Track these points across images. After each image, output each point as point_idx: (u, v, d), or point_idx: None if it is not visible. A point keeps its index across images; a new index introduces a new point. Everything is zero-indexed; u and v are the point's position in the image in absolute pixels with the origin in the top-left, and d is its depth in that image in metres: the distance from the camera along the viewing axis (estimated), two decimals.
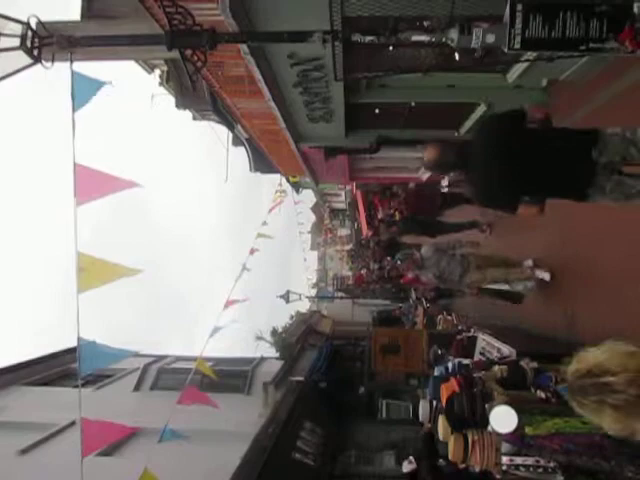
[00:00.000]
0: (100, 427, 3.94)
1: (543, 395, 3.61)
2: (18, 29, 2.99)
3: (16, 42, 2.99)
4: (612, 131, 2.85)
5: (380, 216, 15.02)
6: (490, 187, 3.01)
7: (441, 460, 4.79)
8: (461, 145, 3.33)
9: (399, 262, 8.15)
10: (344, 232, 34.08)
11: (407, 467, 5.32)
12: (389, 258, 14.24)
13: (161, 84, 11.00)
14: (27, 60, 3.06)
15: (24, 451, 7.03)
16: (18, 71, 3.10)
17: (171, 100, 10.67)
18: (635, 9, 2.90)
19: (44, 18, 3.14)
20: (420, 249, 7.31)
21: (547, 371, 4.18)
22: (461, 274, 6.56)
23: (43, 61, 3.11)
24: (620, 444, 3.02)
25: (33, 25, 3.03)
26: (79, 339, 3.32)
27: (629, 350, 1.79)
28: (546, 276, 6.41)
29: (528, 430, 3.18)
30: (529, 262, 6.76)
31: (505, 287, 7.01)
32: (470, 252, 7.40)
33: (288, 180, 15.78)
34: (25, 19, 3.01)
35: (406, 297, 15.25)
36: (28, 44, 3.01)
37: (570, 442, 3.11)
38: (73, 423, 7.12)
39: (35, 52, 3.05)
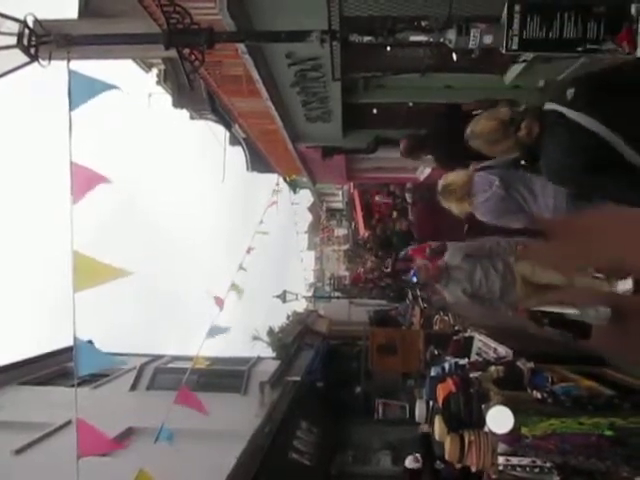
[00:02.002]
0: (94, 435, 3.93)
1: (539, 395, 3.62)
2: (15, 27, 2.98)
3: (13, 40, 2.97)
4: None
5: (377, 199, 14.74)
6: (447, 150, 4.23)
7: (438, 462, 4.81)
8: (422, 136, 4.74)
9: (414, 279, 5.89)
10: (341, 232, 34.09)
11: (412, 463, 5.32)
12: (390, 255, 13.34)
13: (158, 83, 10.97)
14: (24, 58, 3.04)
15: (19, 451, 7.01)
16: (15, 69, 3.09)
17: (168, 99, 10.67)
18: (632, 11, 2.90)
19: (41, 16, 3.12)
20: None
21: (543, 371, 4.20)
22: (502, 291, 4.65)
23: (40, 59, 3.10)
24: (616, 445, 3.03)
25: (30, 23, 3.02)
26: (75, 339, 3.31)
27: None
28: (628, 285, 4.37)
29: (524, 430, 3.19)
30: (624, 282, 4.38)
31: (570, 311, 5.23)
32: (517, 259, 5.08)
33: (285, 180, 15.77)
34: (22, 17, 3.00)
35: (403, 297, 15.24)
36: (25, 42, 2.99)
37: (566, 442, 3.12)
38: (69, 423, 7.10)
39: (32, 50, 3.04)
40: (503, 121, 2.50)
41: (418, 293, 13.07)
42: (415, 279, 5.55)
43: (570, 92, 2.23)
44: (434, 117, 4.83)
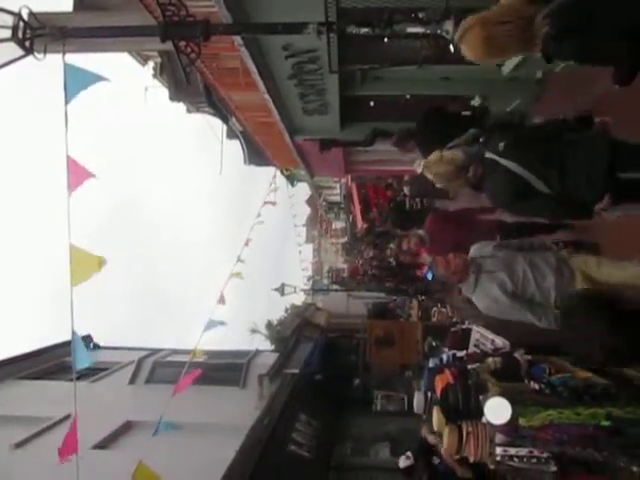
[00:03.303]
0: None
1: (536, 386, 3.63)
2: (9, 20, 2.96)
3: (7, 33, 2.95)
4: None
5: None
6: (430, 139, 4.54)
7: (435, 458, 4.82)
8: (410, 133, 5.16)
9: (429, 276, 4.43)
10: (339, 225, 34.06)
11: (404, 462, 5.34)
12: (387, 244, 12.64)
13: (155, 76, 10.93)
14: (19, 52, 3.03)
15: (19, 445, 7.03)
16: (10, 63, 3.07)
17: (165, 92, 10.63)
18: None
19: (36, 9, 3.11)
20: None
21: (540, 363, 4.21)
22: (559, 289, 3.36)
23: (35, 52, 3.08)
24: (613, 435, 3.05)
25: (25, 16, 3.00)
26: (73, 333, 3.32)
27: None
28: None
29: (522, 421, 3.20)
30: None
31: None
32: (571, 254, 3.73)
33: (283, 173, 15.74)
34: (16, 10, 2.98)
35: (403, 290, 15.21)
36: (20, 35, 2.97)
37: (563, 433, 3.14)
38: (68, 416, 7.13)
39: (27, 43, 3.02)
40: (457, 166, 3.32)
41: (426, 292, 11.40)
42: (431, 276, 4.30)
43: (501, 145, 3.04)
44: (422, 118, 5.23)
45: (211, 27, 3.25)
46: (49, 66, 3.18)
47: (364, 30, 3.28)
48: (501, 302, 3.43)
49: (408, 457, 5.34)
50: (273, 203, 12.11)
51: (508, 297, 3.39)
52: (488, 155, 3.14)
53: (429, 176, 3.97)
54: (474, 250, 3.79)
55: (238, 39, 5.22)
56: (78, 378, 5.40)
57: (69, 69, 3.10)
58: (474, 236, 5.08)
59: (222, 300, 7.70)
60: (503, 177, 3.02)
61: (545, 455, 3.35)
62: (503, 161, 3.00)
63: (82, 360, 3.70)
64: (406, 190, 10.33)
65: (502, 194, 3.15)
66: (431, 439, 4.79)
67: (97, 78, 3.17)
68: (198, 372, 6.25)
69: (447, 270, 3.67)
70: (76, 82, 3.10)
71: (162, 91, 11.06)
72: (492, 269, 3.50)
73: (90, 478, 4.31)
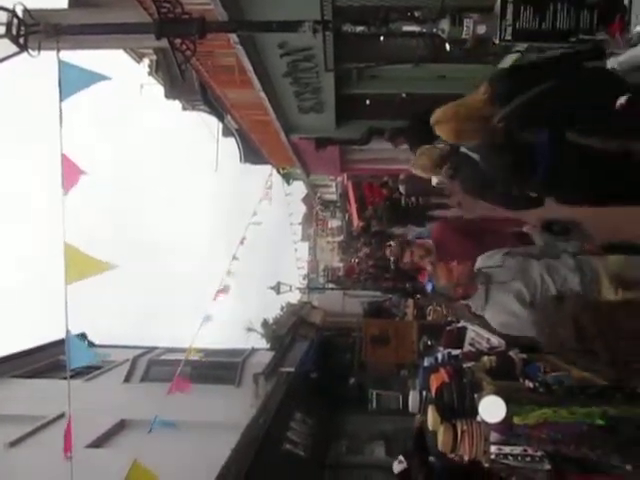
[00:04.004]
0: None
1: (531, 385, 3.64)
2: (4, 17, 2.95)
3: (1, 30, 2.94)
4: None
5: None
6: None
7: (431, 458, 4.82)
8: (402, 131, 5.38)
9: (429, 287, 4.04)
10: (335, 223, 34.06)
11: (398, 467, 5.31)
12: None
13: (150, 74, 10.88)
14: (13, 48, 3.02)
15: (13, 444, 7.01)
16: (4, 60, 3.06)
17: (160, 90, 10.59)
18: (625, 0, 2.90)
19: (30, 5, 3.10)
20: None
21: (535, 361, 4.23)
22: (586, 291, 2.95)
23: (29, 49, 3.06)
24: (606, 433, 3.06)
25: (19, 13, 2.99)
26: (67, 332, 3.30)
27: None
28: None
29: (516, 420, 3.21)
30: None
31: None
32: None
33: (279, 171, 15.74)
34: (11, 6, 2.97)
35: (401, 289, 15.15)
36: (14, 32, 2.96)
37: (558, 431, 3.14)
38: (62, 415, 7.11)
39: (21, 40, 3.01)
40: (433, 160, 3.75)
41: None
42: (431, 287, 3.65)
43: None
44: (412, 119, 5.25)
45: (207, 25, 3.24)
46: (49, 63, 3.16)
47: (360, 28, 3.29)
48: (521, 316, 2.96)
49: (401, 461, 5.31)
50: (269, 199, 12.13)
51: (527, 309, 2.92)
52: (462, 150, 3.46)
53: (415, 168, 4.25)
54: (480, 261, 3.30)
55: (234, 37, 5.21)
56: (72, 376, 5.39)
57: (66, 67, 3.09)
58: (487, 243, 4.12)
59: (225, 290, 7.71)
60: (473, 169, 3.31)
61: (539, 454, 3.36)
62: (474, 155, 3.27)
63: (81, 358, 3.68)
64: (402, 189, 10.34)
65: (471, 183, 3.62)
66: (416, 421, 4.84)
67: (98, 77, 3.16)
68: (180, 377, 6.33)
69: (450, 281, 3.16)
70: (73, 80, 3.09)
71: (157, 88, 11.02)
72: (504, 279, 3.04)
73: (85, 477, 4.29)
